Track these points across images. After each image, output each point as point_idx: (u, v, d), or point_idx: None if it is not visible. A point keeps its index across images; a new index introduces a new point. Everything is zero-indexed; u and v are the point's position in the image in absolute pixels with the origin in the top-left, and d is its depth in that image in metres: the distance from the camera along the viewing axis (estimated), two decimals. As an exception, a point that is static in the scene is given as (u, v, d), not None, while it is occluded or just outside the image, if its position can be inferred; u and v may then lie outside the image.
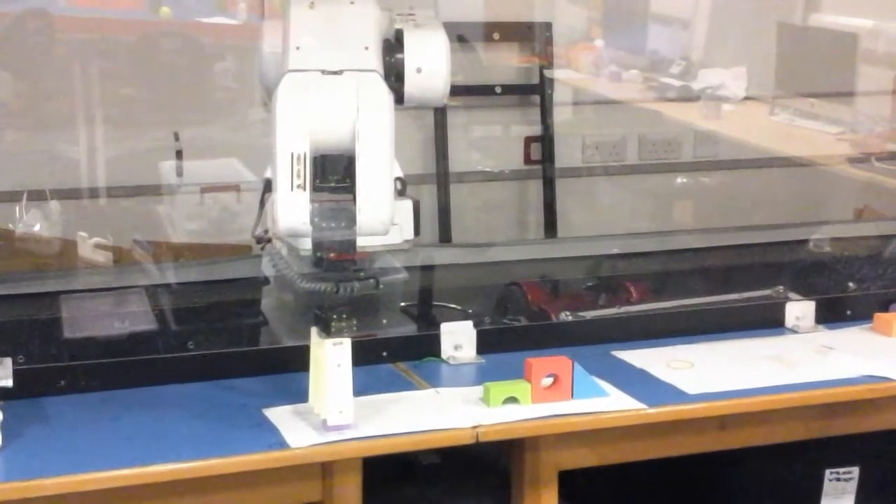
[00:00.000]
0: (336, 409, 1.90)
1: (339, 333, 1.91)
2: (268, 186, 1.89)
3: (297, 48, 1.91)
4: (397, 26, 2.00)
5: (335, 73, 1.89)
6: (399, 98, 1.97)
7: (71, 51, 3.26)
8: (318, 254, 1.87)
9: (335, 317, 1.92)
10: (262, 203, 1.93)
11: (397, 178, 1.91)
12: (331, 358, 1.89)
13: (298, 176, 1.83)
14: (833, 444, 2.34)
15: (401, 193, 1.93)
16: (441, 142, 3.38)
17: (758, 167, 3.86)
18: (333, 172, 1.88)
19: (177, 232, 2.92)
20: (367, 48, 1.92)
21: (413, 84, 1.98)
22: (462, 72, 3.41)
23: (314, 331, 1.95)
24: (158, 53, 3.38)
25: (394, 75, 1.97)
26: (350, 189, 1.87)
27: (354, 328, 1.92)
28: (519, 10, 3.56)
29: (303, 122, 1.86)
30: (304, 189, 1.84)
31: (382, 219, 1.87)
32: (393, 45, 1.99)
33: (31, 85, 3.25)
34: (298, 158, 1.84)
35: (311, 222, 1.85)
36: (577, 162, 3.63)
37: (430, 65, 1.98)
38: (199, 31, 3.48)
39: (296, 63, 1.89)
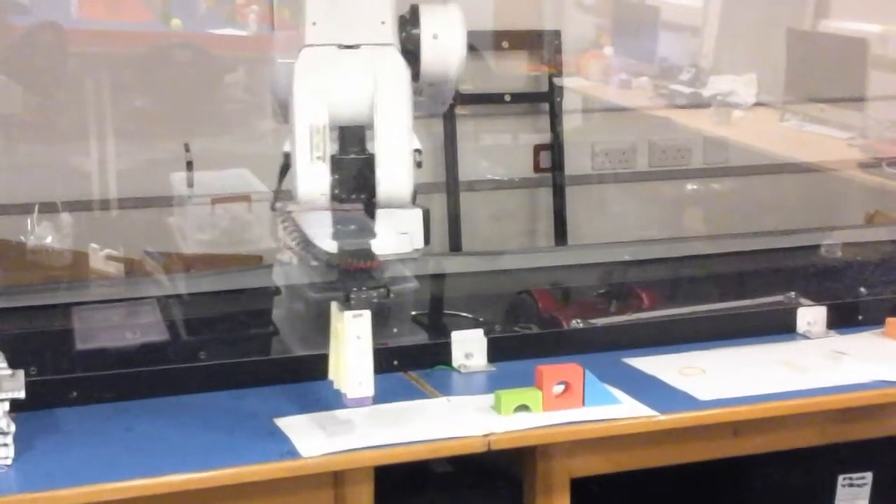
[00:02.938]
0: (356, 380, 1.90)
1: (359, 306, 1.91)
2: (287, 160, 1.91)
3: (314, 23, 1.93)
4: (413, 3, 2.03)
5: (352, 47, 1.92)
6: (415, 75, 1.99)
7: (82, 63, 3.27)
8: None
9: (354, 289, 1.90)
10: (282, 176, 1.93)
11: (416, 150, 1.93)
12: (350, 330, 1.89)
13: (317, 148, 1.85)
14: (846, 449, 2.34)
15: (419, 165, 1.95)
16: (451, 150, 3.38)
17: (768, 173, 3.86)
18: (353, 144, 1.90)
19: (188, 243, 2.92)
20: (383, 23, 1.95)
21: (429, 51, 2.00)
22: (471, 80, 3.41)
23: (334, 305, 1.94)
24: (169, 65, 3.39)
25: (409, 51, 1.99)
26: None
27: (374, 300, 1.91)
28: (528, 19, 3.57)
29: (321, 94, 1.87)
30: (324, 160, 1.85)
31: (402, 189, 1.89)
32: (408, 21, 2.01)
33: (43, 97, 3.26)
34: (317, 130, 1.86)
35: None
36: (586, 169, 3.64)
37: (447, 31, 2.01)
38: (209, 43, 3.49)
39: (312, 38, 1.92)
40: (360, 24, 1.94)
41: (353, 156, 1.90)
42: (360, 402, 1.91)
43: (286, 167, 1.93)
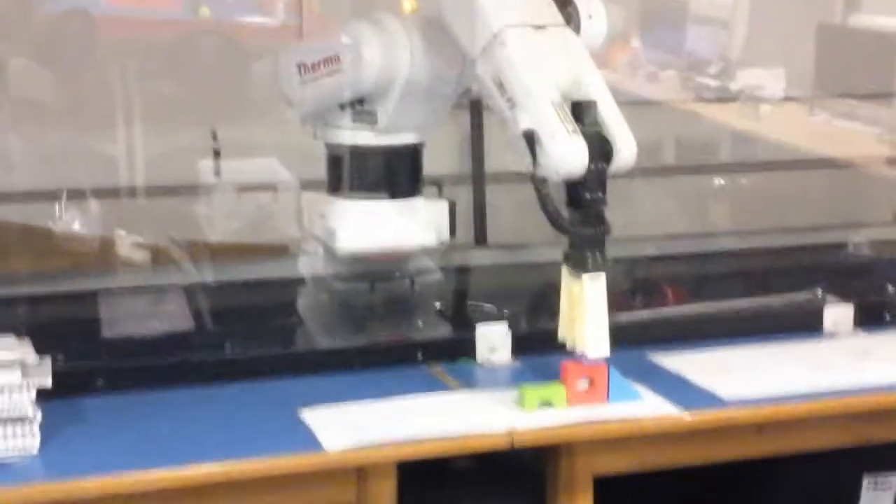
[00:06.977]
0: (594, 340, 2.00)
1: (596, 269, 2.00)
2: (530, 138, 1.96)
3: (504, 4, 2.05)
4: None
5: (541, 27, 2.05)
6: None
7: (111, 50, 3.28)
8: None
9: (590, 253, 2.00)
10: (533, 153, 1.97)
11: None
12: (589, 292, 1.99)
13: (568, 121, 1.95)
14: (871, 450, 2.32)
15: None
16: (477, 142, 3.37)
17: (796, 168, 3.83)
18: (587, 116, 1.99)
19: (214, 231, 2.92)
20: (549, 5, 2.11)
21: (587, 29, 2.15)
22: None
23: (565, 268, 2.04)
24: (197, 53, 3.40)
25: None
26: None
27: (607, 265, 2.01)
28: (555, 10, 3.55)
29: (547, 70, 1.99)
30: (578, 133, 1.94)
31: (633, 156, 2.01)
32: (558, 2, 2.15)
33: (71, 84, 3.27)
34: (560, 105, 1.96)
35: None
36: (613, 163, 3.61)
37: (598, 11, 2.18)
38: (237, 31, 3.49)
39: (510, 18, 2.03)
40: (537, 7, 2.09)
41: (595, 128, 1.98)
42: (595, 361, 2.03)
43: (532, 144, 1.97)
